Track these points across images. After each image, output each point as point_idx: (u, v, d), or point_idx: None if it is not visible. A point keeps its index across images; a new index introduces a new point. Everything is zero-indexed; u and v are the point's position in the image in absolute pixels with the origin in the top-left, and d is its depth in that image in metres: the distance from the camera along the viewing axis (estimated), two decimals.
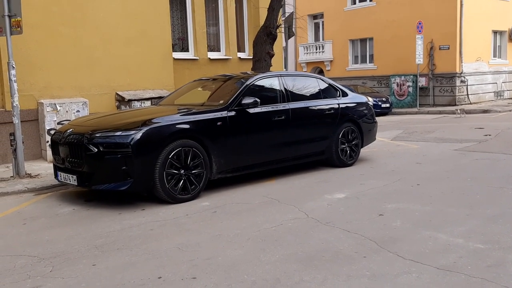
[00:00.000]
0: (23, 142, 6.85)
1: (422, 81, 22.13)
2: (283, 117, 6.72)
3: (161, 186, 5.35)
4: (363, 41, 25.07)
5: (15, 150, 6.75)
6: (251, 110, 6.35)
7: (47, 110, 8.39)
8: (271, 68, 10.40)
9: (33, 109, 8.52)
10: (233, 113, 6.15)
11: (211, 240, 4.24)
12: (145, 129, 5.32)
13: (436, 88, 22.21)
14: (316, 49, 26.66)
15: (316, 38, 27.54)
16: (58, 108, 8.47)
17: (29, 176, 6.89)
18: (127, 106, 9.38)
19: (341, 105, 7.66)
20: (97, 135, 5.32)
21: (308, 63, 27.02)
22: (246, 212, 5.14)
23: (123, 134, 5.26)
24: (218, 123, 5.95)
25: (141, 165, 5.25)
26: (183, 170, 5.56)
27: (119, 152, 5.21)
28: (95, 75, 9.25)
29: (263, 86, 6.85)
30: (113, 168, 5.22)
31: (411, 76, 22.57)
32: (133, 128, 5.31)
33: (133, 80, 9.80)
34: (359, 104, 8.06)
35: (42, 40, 8.55)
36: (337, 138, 7.53)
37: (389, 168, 7.44)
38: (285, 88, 6.98)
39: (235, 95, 6.31)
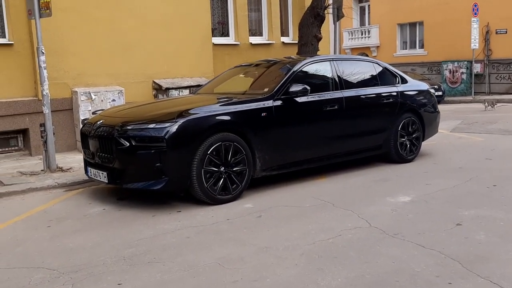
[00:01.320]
0: (54, 134, 6.41)
1: (477, 68, 20.60)
2: (335, 107, 5.94)
3: (199, 185, 4.72)
4: (412, 25, 23.65)
5: (45, 142, 6.31)
6: (300, 99, 5.60)
7: (81, 99, 7.94)
8: (318, 53, 9.58)
9: (67, 98, 8.10)
10: (279, 102, 5.43)
11: (257, 254, 3.57)
12: (181, 121, 4.68)
13: (492, 75, 20.64)
14: (362, 34, 25.44)
15: (362, 23, 26.28)
16: (93, 97, 8.01)
17: (61, 169, 6.45)
18: (164, 95, 8.83)
19: (400, 93, 6.79)
20: (129, 127, 4.74)
21: (352, 49, 25.82)
22: (296, 217, 4.43)
23: (157, 126, 4.64)
24: (262, 114, 5.25)
25: (177, 162, 4.63)
26: (223, 167, 4.91)
27: (153, 147, 4.60)
28: (131, 62, 8.73)
29: (312, 72, 6.08)
30: (146, 164, 4.63)
31: (465, 62, 21.08)
32: (168, 120, 4.69)
33: (170, 67, 9.23)
34: (420, 92, 7.15)
35: (76, 24, 8.08)
36: (396, 131, 6.67)
37: (456, 165, 6.53)
38: (337, 74, 6.18)
39: (282, 82, 5.58)
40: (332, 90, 6.06)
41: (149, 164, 4.61)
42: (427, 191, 5.21)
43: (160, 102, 5.87)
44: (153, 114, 4.94)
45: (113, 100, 8.19)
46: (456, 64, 21.44)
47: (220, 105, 5.11)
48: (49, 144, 6.30)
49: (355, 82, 6.44)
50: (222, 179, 4.90)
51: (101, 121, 5.10)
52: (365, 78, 6.65)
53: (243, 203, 4.95)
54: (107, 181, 4.90)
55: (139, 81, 8.86)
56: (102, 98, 8.11)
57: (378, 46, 24.97)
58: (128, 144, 4.67)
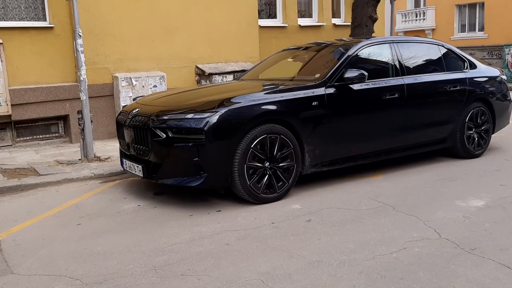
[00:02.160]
0: (92, 121, 6.10)
1: None
2: (396, 95, 5.26)
3: (241, 182, 4.23)
4: (472, 6, 22.07)
5: (82, 130, 6.02)
6: (356, 87, 4.97)
7: (122, 85, 7.63)
8: (373, 35, 8.82)
9: (108, 83, 7.81)
10: (332, 90, 4.82)
11: (306, 270, 3.05)
12: (222, 111, 4.19)
13: None
14: (416, 16, 24.06)
15: (416, 4, 24.84)
16: (134, 82, 7.68)
17: (98, 159, 6.15)
18: (207, 80, 8.39)
19: (469, 80, 6.00)
20: (165, 117, 4.30)
21: (406, 32, 24.49)
22: (351, 223, 3.86)
23: (195, 117, 4.18)
24: (313, 103, 4.67)
25: (217, 156, 4.15)
26: (268, 163, 4.39)
27: (191, 139, 4.14)
28: (173, 46, 8.33)
29: (370, 55, 5.41)
30: (184, 159, 4.18)
31: None
32: (208, 110, 4.21)
33: (214, 51, 8.76)
34: (491, 78, 6.31)
35: (117, 5, 7.73)
36: (463, 122, 5.91)
37: None
38: (398, 58, 5.48)
39: (336, 67, 4.96)
40: (392, 76, 5.38)
41: (187, 158, 4.16)
42: (503, 194, 4.49)
43: (201, 89, 5.40)
44: (192, 103, 4.47)
45: (155, 86, 7.83)
46: None
47: (265, 93, 4.57)
48: (86, 132, 6.00)
49: (418, 67, 5.71)
50: (267, 176, 4.39)
51: (137, 109, 4.69)
52: (429, 62, 5.90)
53: (289, 203, 4.43)
54: (142, 175, 4.50)
55: (181, 66, 8.46)
56: (143, 84, 7.77)
57: (433, 29, 23.54)
58: (164, 135, 4.23)
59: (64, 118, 7.61)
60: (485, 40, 21.52)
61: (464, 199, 4.40)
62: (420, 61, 5.81)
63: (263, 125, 4.34)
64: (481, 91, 6.08)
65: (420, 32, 23.85)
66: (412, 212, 4.08)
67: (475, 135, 6.07)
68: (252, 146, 4.26)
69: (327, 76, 4.88)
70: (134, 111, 4.70)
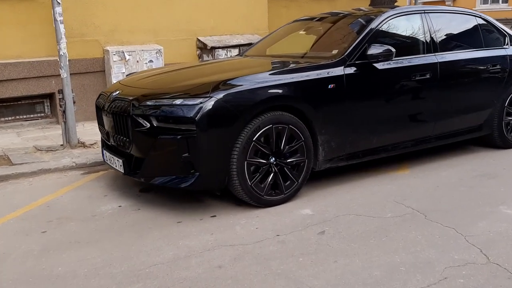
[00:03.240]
0: (74, 102, 5.36)
1: None
2: (427, 76, 4.43)
3: (241, 182, 3.49)
4: None
5: (64, 112, 5.29)
6: (380, 66, 4.15)
7: (114, 60, 6.85)
8: (396, 5, 7.88)
9: (99, 57, 7.02)
10: (352, 69, 4.01)
11: None
12: (218, 96, 3.41)
13: None
14: None
15: None
16: (127, 57, 6.89)
17: (83, 145, 5.44)
18: (210, 55, 7.57)
19: (510, 58, 5.13)
20: (149, 103, 3.53)
21: (424, 3, 23.16)
22: (375, 237, 3.12)
23: (185, 103, 3.41)
24: (329, 86, 3.87)
25: (212, 152, 3.40)
26: (273, 158, 3.64)
27: (179, 130, 3.39)
28: (172, 16, 7.48)
29: (397, 28, 4.55)
30: (171, 154, 3.44)
31: None
32: (200, 95, 3.43)
33: (218, 23, 7.90)
34: None
35: None
36: (502, 107, 5.08)
37: None
38: (430, 32, 4.62)
39: (357, 42, 4.13)
40: (423, 53, 4.54)
41: (174, 153, 3.41)
42: None
43: (197, 67, 4.58)
44: (182, 85, 3.68)
45: (150, 61, 7.04)
46: None
47: (271, 74, 3.76)
48: (68, 114, 5.27)
49: (453, 42, 4.85)
50: (272, 174, 3.64)
51: (118, 91, 3.93)
52: (465, 37, 5.04)
53: (299, 206, 3.69)
54: (123, 171, 3.77)
55: (181, 38, 7.62)
56: (137, 59, 6.98)
57: (454, 0, 22.21)
58: (147, 125, 3.48)
59: (50, 97, 6.87)
60: (509, 13, 20.22)
61: (509, 204, 3.63)
62: (455, 35, 4.94)
63: (268, 113, 3.57)
64: None
65: (439, 3, 22.54)
66: (449, 221, 3.32)
67: None
68: (254, 138, 3.50)
69: (347, 52, 4.06)
70: (114, 94, 3.94)
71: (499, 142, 5.20)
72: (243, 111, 3.44)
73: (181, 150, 3.38)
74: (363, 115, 4.08)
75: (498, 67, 5.00)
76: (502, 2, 20.79)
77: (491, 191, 3.94)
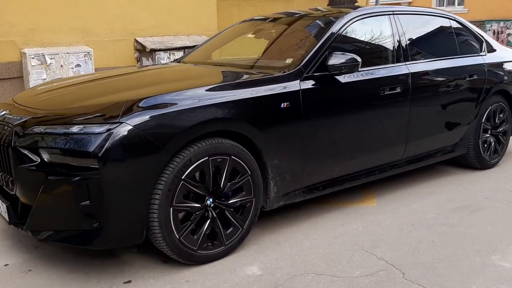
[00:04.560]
0: None
1: None
2: (397, 90, 3.72)
3: (165, 235, 2.63)
4: None
5: None
6: (344, 78, 3.39)
7: (32, 64, 5.81)
8: (357, 5, 7.21)
9: (15, 61, 5.97)
10: (310, 83, 3.23)
11: None
12: (131, 120, 2.52)
13: None
14: None
15: None
16: (49, 60, 5.87)
17: None
18: (150, 58, 6.64)
19: (488, 67, 4.52)
20: (36, 130, 2.60)
21: (381, 4, 22.97)
22: None
23: (84, 131, 2.50)
24: (282, 105, 3.07)
25: (122, 198, 2.52)
26: (210, 200, 2.81)
27: (77, 169, 2.48)
28: (105, 12, 6.50)
29: (362, 33, 3.81)
30: (65, 201, 2.52)
31: None
32: (106, 121, 2.54)
33: (159, 22, 6.99)
34: None
35: None
36: (478, 123, 4.47)
37: None
38: (400, 37, 3.92)
39: (315, 49, 3.36)
40: (392, 63, 3.82)
41: (70, 200, 2.50)
42: None
43: (117, 77, 3.63)
44: (86, 105, 2.75)
45: (78, 65, 6.04)
46: (502, 24, 18.68)
47: (209, 90, 2.91)
48: None
49: (425, 49, 4.17)
50: (209, 221, 2.81)
51: (4, 112, 2.97)
52: (439, 43, 4.38)
53: (244, 262, 2.86)
54: (8, 219, 2.81)
55: (115, 39, 6.66)
56: (62, 63, 5.97)
57: (410, 2, 22.10)
58: (36, 160, 2.56)
59: None
60: (465, 15, 20.24)
61: (503, 252, 2.95)
62: (428, 40, 4.27)
63: (203, 142, 2.72)
64: (502, 81, 4.63)
65: (396, 5, 22.39)
66: (434, 283, 2.59)
67: (492, 139, 4.65)
68: (183, 176, 2.65)
69: (303, 62, 3.27)
70: (0, 114, 2.98)
71: (475, 163, 4.59)
72: (167, 140, 2.58)
73: (79, 196, 2.47)
74: (323, 139, 3.31)
75: (475, 77, 4.37)
76: (458, 5, 20.82)
77: (477, 231, 3.26)
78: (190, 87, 2.89)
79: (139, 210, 2.56)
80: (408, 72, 3.83)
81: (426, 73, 3.98)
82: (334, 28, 3.56)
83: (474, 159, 4.56)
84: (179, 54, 6.71)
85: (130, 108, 2.58)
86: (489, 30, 18.91)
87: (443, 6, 21.31)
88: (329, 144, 3.35)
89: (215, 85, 2.93)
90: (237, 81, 3.06)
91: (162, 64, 5.21)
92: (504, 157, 4.88)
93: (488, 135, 4.62)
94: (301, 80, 3.20)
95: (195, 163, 2.68)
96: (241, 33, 4.41)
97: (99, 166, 2.43)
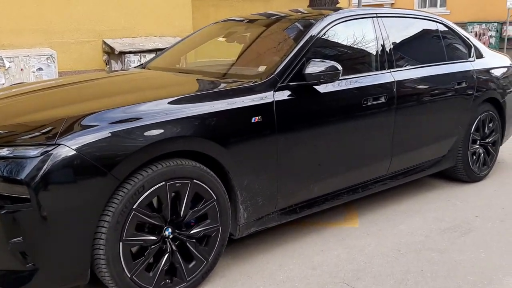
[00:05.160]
0: None
1: (510, 30, 17.79)
2: (382, 100, 3.39)
3: (113, 274, 2.25)
4: None
5: None
6: (323, 88, 3.05)
7: None
8: (338, 6, 6.90)
9: None
10: (286, 94, 2.88)
11: None
12: (71, 142, 2.13)
13: None
14: None
15: None
16: (7, 64, 5.42)
17: None
18: (119, 61, 6.23)
19: (477, 74, 4.23)
20: None
21: (363, 5, 22.80)
22: None
23: (15, 154, 2.11)
24: (253, 119, 2.71)
25: (60, 233, 2.13)
26: (169, 231, 2.44)
27: (6, 200, 2.09)
28: (70, 12, 6.07)
29: (344, 37, 3.47)
30: None
31: (495, 24, 18.28)
32: (41, 143, 2.14)
33: (131, 22, 6.58)
34: (503, 70, 4.59)
35: None
36: (467, 134, 4.19)
37: None
38: (384, 41, 3.59)
39: (292, 56, 3.01)
40: (376, 70, 3.49)
41: None
42: None
43: (67, 86, 3.20)
44: (21, 123, 2.36)
45: (40, 69, 5.60)
46: (484, 25, 18.66)
47: (172, 103, 2.53)
48: None
49: (411, 55, 3.86)
50: (167, 255, 2.43)
51: None
52: (426, 48, 4.08)
53: None
54: None
55: (82, 40, 6.24)
56: (22, 66, 5.52)
57: (392, 3, 21.98)
58: None
59: None
60: (447, 17, 20.00)
61: (500, 284, 2.64)
62: (414, 45, 3.97)
63: (160, 165, 2.35)
64: (491, 89, 4.35)
65: (378, 6, 22.25)
66: None
67: (481, 150, 4.37)
68: (135, 206, 2.27)
69: (278, 70, 2.92)
70: None
71: (463, 176, 4.30)
72: (115, 164, 2.20)
73: (10, 232, 2.08)
74: (300, 156, 2.96)
75: (464, 85, 4.08)
76: (440, 6, 20.76)
77: (469, 258, 2.95)
78: (144, 100, 2.50)
79: (82, 246, 2.17)
80: (393, 80, 3.50)
81: (412, 81, 3.66)
82: (313, 32, 3.21)
83: (463, 172, 4.27)
84: (151, 57, 6.30)
85: (70, 126, 2.19)
86: (471, 32, 18.84)
87: (425, 7, 21.25)
88: (306, 162, 3.01)
89: (175, 98, 2.55)
90: (201, 92, 2.68)
91: (122, 70, 4.78)
92: (493, 168, 4.60)
93: (477, 146, 4.34)
94: (275, 91, 2.84)
95: (149, 189, 2.31)
96: (212, 36, 4.04)
97: (31, 196, 2.04)
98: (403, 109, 3.55)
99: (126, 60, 6.18)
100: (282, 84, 2.89)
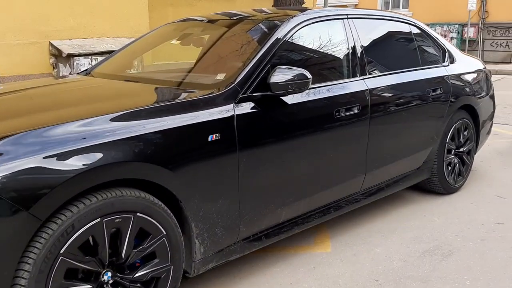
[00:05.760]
0: None
1: (470, 32, 18.07)
2: (355, 110, 3.06)
3: None
4: None
5: None
6: (291, 99, 2.69)
7: None
8: (305, 6, 6.58)
9: None
10: (248, 107, 2.50)
11: None
12: None
13: (487, 41, 18.15)
14: None
15: None
16: None
17: None
18: (67, 65, 5.70)
19: (452, 79, 3.98)
20: None
21: (331, 7, 22.75)
22: None
23: None
24: (210, 138, 2.31)
25: None
26: (109, 275, 2.01)
27: None
28: (11, 11, 5.49)
29: (312, 41, 3.11)
30: None
31: (456, 26, 18.54)
32: None
33: (80, 22, 6.05)
34: (476, 75, 4.37)
35: None
36: (443, 143, 3.93)
37: None
38: (356, 46, 3.26)
39: (255, 62, 2.63)
40: (348, 78, 3.16)
41: None
42: None
43: None
44: None
45: None
46: (445, 27, 18.88)
47: (101, 121, 2.07)
48: None
49: (385, 60, 3.56)
50: None
51: None
52: (400, 52, 3.80)
53: None
54: None
55: (25, 42, 5.66)
56: None
57: (356, 5, 22.01)
58: None
59: None
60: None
61: None
62: (388, 49, 3.67)
63: (94, 198, 1.92)
64: (466, 95, 4.11)
65: (342, 7, 22.23)
66: None
67: (456, 160, 4.13)
68: (63, 250, 1.84)
69: (239, 79, 2.53)
70: None
71: (438, 188, 4.04)
72: (34, 201, 1.76)
73: None
74: (266, 178, 2.59)
75: (439, 91, 3.81)
76: (403, 8, 20.91)
77: (458, 284, 2.66)
78: (73, 118, 2.06)
79: None
80: (366, 88, 3.18)
81: (386, 88, 3.35)
82: (278, 35, 2.85)
83: (438, 184, 4.02)
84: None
85: None
86: None
87: (388, 9, 21.36)
88: (273, 183, 2.64)
89: (113, 115, 2.12)
90: (146, 107, 2.25)
91: (61, 78, 4.23)
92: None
93: (452, 156, 4.09)
94: (236, 103, 2.46)
95: (81, 228, 1.88)
96: (166, 38, 3.61)
97: None
98: (378, 120, 3.23)
99: (75, 63, 5.65)
100: (244, 95, 2.51)
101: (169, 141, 2.15)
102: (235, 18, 3.48)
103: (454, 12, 18.44)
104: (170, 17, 6.96)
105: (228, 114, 2.39)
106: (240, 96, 2.49)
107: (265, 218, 2.65)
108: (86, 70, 3.60)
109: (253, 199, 2.53)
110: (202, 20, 3.62)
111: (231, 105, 2.43)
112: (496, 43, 17.94)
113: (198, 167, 2.25)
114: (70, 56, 5.62)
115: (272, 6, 6.95)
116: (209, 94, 2.43)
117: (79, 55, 5.69)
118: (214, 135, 2.31)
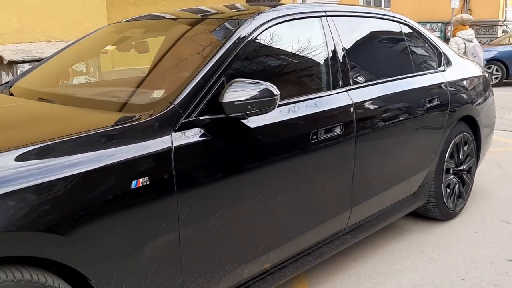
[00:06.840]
0: None
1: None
2: (337, 131, 2.43)
3: None
4: None
5: None
6: (254, 122, 2.04)
7: None
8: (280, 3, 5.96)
9: None
10: (193, 135, 1.84)
11: None
12: None
13: None
14: None
15: None
16: None
17: None
18: (10, 72, 4.96)
19: (450, 87, 3.38)
20: None
21: (309, 3, 22.24)
22: None
23: None
24: (134, 184, 1.64)
25: None
26: None
27: None
28: None
29: (281, 44, 2.47)
30: None
31: (439, 24, 18.23)
32: None
33: (27, 24, 5.31)
34: (474, 81, 3.79)
35: None
36: (441, 163, 3.34)
37: None
38: (337, 50, 2.63)
39: (203, 74, 1.97)
40: (328, 89, 2.53)
41: None
42: None
43: None
44: None
45: None
46: (428, 26, 18.49)
47: (20, 159, 1.42)
48: None
49: (372, 66, 2.94)
50: None
51: None
52: (390, 56, 3.19)
53: None
54: None
55: None
56: None
57: (338, 2, 21.60)
58: None
59: None
60: None
61: None
62: (375, 54, 3.05)
63: None
64: (466, 104, 3.52)
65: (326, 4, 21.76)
66: None
67: (455, 180, 3.54)
68: None
69: (181, 98, 1.88)
70: None
71: (435, 213, 3.45)
72: None
73: None
74: (219, 230, 1.94)
75: (436, 102, 3.21)
76: (385, 6, 20.51)
77: None
78: None
79: None
80: (351, 102, 2.56)
81: (375, 102, 2.73)
82: (237, 38, 2.20)
83: (436, 210, 3.42)
84: None
85: None
86: None
87: (370, 7, 20.98)
88: (229, 236, 1.99)
89: (27, 153, 1.45)
90: (41, 144, 1.57)
91: None
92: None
93: (451, 176, 3.50)
94: (175, 131, 1.81)
95: None
96: (101, 44, 2.93)
97: None
98: (365, 142, 2.61)
99: (19, 71, 4.94)
100: (187, 120, 1.86)
101: (66, 195, 1.48)
102: (193, 16, 2.84)
103: (437, 10, 18.10)
104: (132, 16, 6.27)
105: (162, 148, 1.74)
106: (182, 121, 1.84)
107: (220, 281, 2.00)
108: (8, 82, 2.91)
109: (201, 260, 1.88)
110: (166, 16, 2.95)
111: (168, 135, 1.77)
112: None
113: (114, 231, 1.59)
114: (13, 62, 4.89)
115: (245, 2, 6.31)
116: (137, 120, 1.77)
117: (24, 61, 4.95)
118: (140, 179, 1.65)
